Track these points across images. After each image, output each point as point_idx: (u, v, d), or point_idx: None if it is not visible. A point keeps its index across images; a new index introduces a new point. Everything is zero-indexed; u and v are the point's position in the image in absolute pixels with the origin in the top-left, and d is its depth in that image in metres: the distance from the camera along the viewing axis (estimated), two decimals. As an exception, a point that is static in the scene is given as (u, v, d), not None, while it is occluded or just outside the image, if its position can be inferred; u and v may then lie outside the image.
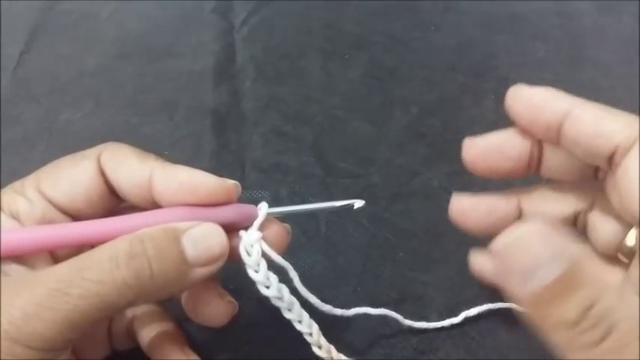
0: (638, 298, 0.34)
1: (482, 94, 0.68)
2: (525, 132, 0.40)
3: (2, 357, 0.32)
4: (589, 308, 0.30)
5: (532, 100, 0.38)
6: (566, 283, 0.30)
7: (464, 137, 0.63)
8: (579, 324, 0.30)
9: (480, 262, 0.44)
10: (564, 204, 0.41)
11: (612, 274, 0.39)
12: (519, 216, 0.42)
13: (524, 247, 0.31)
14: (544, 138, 0.39)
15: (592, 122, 0.36)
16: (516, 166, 0.41)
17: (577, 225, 0.42)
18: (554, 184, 0.42)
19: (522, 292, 0.32)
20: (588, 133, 0.36)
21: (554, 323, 0.31)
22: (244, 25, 0.78)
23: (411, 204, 0.59)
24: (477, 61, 0.72)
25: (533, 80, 0.68)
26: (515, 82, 0.67)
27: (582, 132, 0.36)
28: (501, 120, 0.64)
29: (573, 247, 0.31)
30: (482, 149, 0.42)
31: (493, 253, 0.32)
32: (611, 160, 0.35)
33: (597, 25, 0.76)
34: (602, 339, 0.30)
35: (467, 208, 0.43)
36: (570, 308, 0.30)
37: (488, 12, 0.78)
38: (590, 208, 0.40)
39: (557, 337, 0.31)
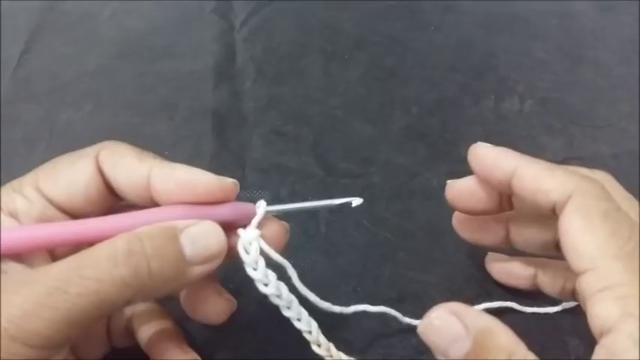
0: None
1: (482, 94, 0.68)
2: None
3: (1, 355, 0.32)
4: None
5: (485, 160, 0.43)
6: (475, 355, 0.34)
7: (464, 137, 0.63)
8: None
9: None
10: (543, 231, 0.45)
11: None
12: (507, 235, 0.48)
13: (437, 329, 0.36)
14: (501, 190, 0.44)
15: (532, 181, 0.40)
16: (488, 206, 0.46)
17: (559, 251, 0.43)
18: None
19: None
20: (530, 190, 0.40)
21: None
22: (244, 26, 0.78)
23: (411, 204, 0.59)
24: (476, 61, 0.72)
25: (533, 80, 0.69)
26: (515, 82, 0.69)
27: (525, 189, 0.40)
28: (501, 120, 0.65)
29: (481, 321, 0.35)
30: (458, 191, 0.46)
31: (419, 334, 0.37)
32: (555, 212, 0.39)
33: (597, 25, 0.76)
34: None
35: (463, 221, 0.50)
36: None
37: (488, 12, 0.78)
38: None
39: None
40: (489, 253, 0.53)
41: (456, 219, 0.50)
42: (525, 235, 0.47)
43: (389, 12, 0.79)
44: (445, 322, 0.35)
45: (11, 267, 0.37)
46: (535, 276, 0.49)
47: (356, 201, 0.45)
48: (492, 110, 0.66)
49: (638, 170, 0.59)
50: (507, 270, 0.51)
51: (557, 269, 0.47)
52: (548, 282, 0.48)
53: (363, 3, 0.80)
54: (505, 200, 0.46)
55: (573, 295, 0.46)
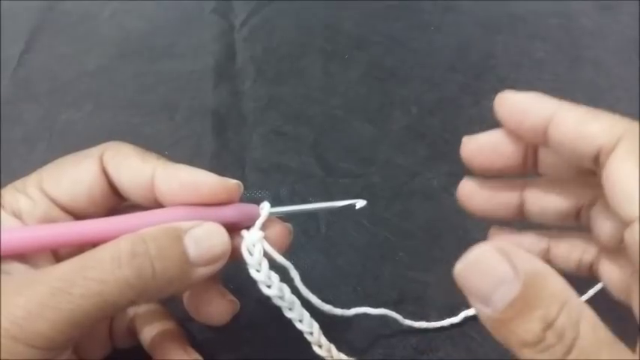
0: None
1: (482, 94, 0.68)
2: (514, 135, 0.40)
3: (3, 356, 0.32)
4: (549, 326, 0.30)
5: (517, 106, 0.38)
6: (524, 302, 0.31)
7: (464, 137, 0.63)
8: (540, 343, 0.30)
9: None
10: (566, 198, 0.41)
11: (626, 268, 0.39)
12: (521, 205, 0.42)
13: (480, 269, 0.32)
14: (532, 141, 0.39)
15: (574, 124, 0.35)
16: (511, 163, 0.41)
17: (580, 219, 0.41)
18: (557, 177, 0.42)
19: (483, 314, 0.32)
20: (571, 135, 0.36)
21: (516, 343, 0.31)
22: (244, 26, 0.78)
23: (411, 204, 0.59)
24: (476, 61, 0.72)
25: (533, 80, 0.69)
26: (514, 82, 0.68)
27: (565, 135, 0.36)
28: (501, 120, 0.65)
29: (530, 264, 0.32)
30: (478, 146, 0.41)
31: (455, 277, 0.33)
32: (597, 161, 0.35)
33: (597, 25, 0.76)
34: (565, 355, 0.30)
35: (472, 192, 0.44)
36: (529, 328, 0.30)
37: (488, 12, 0.78)
38: (593, 202, 0.40)
39: (521, 355, 0.31)
40: (493, 226, 0.45)
41: (463, 189, 0.44)
42: (544, 203, 0.42)
43: (389, 12, 0.79)
44: (490, 262, 0.32)
45: (15, 267, 0.37)
46: (548, 251, 0.43)
47: (359, 203, 0.45)
48: (492, 110, 0.66)
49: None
50: (518, 245, 0.42)
51: (574, 242, 0.42)
52: (562, 256, 0.42)
53: (363, 3, 0.80)
54: (530, 157, 0.41)
55: (591, 270, 0.42)
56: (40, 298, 0.33)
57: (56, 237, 0.37)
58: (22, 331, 0.32)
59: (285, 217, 0.43)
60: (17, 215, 0.39)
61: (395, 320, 0.48)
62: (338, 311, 0.44)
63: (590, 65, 0.71)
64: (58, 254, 0.40)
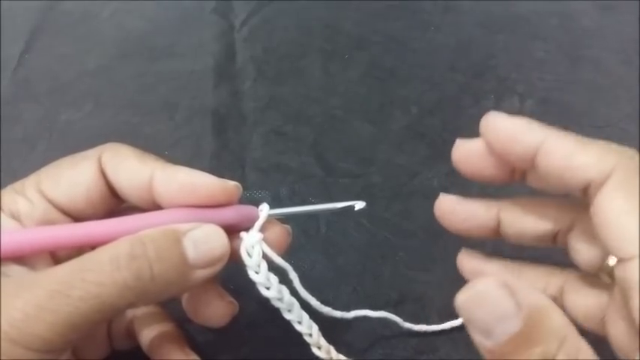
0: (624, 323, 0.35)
1: (482, 94, 0.68)
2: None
3: (2, 358, 0.32)
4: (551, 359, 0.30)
5: (504, 132, 0.37)
6: (525, 337, 0.30)
7: (464, 137, 0.63)
8: None
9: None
10: (543, 221, 0.41)
11: (593, 297, 0.39)
12: (497, 225, 0.42)
13: (483, 303, 0.31)
14: (520, 166, 0.39)
15: (563, 156, 0.35)
16: (498, 173, 0.40)
17: (556, 242, 0.41)
18: (537, 198, 0.42)
19: (483, 346, 0.32)
20: (560, 166, 0.35)
21: None
22: (244, 26, 0.78)
23: (411, 204, 0.59)
24: (476, 61, 0.72)
25: (533, 80, 0.69)
26: (515, 82, 0.69)
27: (554, 165, 0.35)
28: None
29: (533, 298, 0.31)
30: (468, 152, 0.41)
31: (456, 307, 0.32)
32: (586, 192, 0.35)
33: (597, 25, 0.76)
34: None
35: (448, 210, 0.44)
36: None
37: (488, 12, 0.78)
38: (571, 227, 0.40)
39: None
40: (462, 250, 0.46)
41: (440, 206, 0.44)
42: (521, 225, 0.42)
43: (389, 12, 0.79)
44: (494, 296, 0.31)
45: (13, 269, 0.37)
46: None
47: (359, 204, 0.44)
48: (492, 110, 0.66)
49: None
50: (481, 271, 0.45)
51: (537, 274, 0.43)
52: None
53: (363, 3, 0.80)
54: (519, 170, 0.40)
55: (555, 302, 0.43)
56: (39, 301, 0.33)
57: (55, 239, 0.37)
58: (21, 334, 0.32)
59: (284, 219, 0.43)
60: (16, 217, 0.39)
61: (395, 322, 0.48)
62: (337, 314, 0.44)
63: (591, 65, 0.71)
64: (57, 256, 0.40)
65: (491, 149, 0.39)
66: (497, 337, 0.31)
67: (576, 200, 0.37)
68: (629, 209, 0.32)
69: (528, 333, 0.30)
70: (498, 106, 0.67)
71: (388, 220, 0.58)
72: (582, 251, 0.39)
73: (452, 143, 0.62)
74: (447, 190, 0.57)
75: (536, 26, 0.76)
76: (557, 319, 0.31)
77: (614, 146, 0.35)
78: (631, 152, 0.35)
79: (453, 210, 0.44)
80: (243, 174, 0.62)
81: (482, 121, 0.38)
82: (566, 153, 0.35)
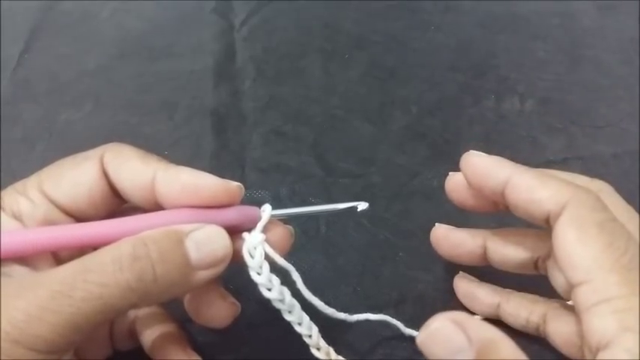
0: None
1: (482, 94, 0.68)
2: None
3: (4, 359, 0.32)
4: None
5: (478, 169, 0.42)
6: None
7: (464, 137, 0.63)
8: None
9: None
10: (523, 250, 0.45)
11: (572, 324, 0.42)
12: (484, 253, 0.47)
13: (438, 339, 0.34)
14: (495, 200, 0.43)
15: (525, 190, 0.39)
16: (482, 204, 0.45)
17: (538, 269, 0.45)
18: (519, 229, 0.46)
19: None
20: (523, 199, 0.39)
21: None
22: (244, 25, 0.78)
23: (411, 204, 0.59)
24: (476, 61, 0.72)
25: (533, 80, 0.69)
26: (515, 82, 0.69)
27: (519, 199, 0.40)
28: (501, 120, 0.65)
29: (483, 332, 0.33)
30: (455, 184, 0.46)
31: (418, 345, 0.35)
32: (548, 223, 0.38)
33: (597, 25, 0.76)
34: None
35: (442, 237, 0.49)
36: None
37: (488, 12, 0.78)
38: (548, 255, 0.43)
39: None
40: (460, 272, 0.52)
41: (434, 235, 0.50)
42: (503, 253, 0.46)
43: (389, 11, 0.79)
44: (447, 333, 0.34)
45: (15, 270, 0.37)
46: (498, 306, 0.48)
47: (362, 206, 0.45)
48: (492, 110, 0.66)
49: (638, 170, 0.59)
50: (472, 294, 0.50)
51: (522, 302, 0.47)
52: (511, 313, 0.47)
53: (363, 3, 0.80)
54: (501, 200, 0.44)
55: (537, 330, 0.46)
56: (41, 301, 0.33)
57: (56, 239, 0.37)
58: (23, 335, 0.32)
59: (286, 219, 0.43)
60: (17, 217, 0.39)
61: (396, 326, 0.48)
62: (341, 315, 0.44)
63: (591, 65, 0.71)
64: (59, 257, 0.40)
65: (470, 184, 0.44)
66: None
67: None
68: (579, 239, 0.36)
69: None
70: (499, 106, 0.67)
71: (388, 220, 0.58)
72: (557, 278, 0.42)
73: (452, 143, 0.63)
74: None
75: (537, 26, 0.76)
76: (507, 348, 0.33)
77: (580, 179, 0.41)
78: (598, 184, 0.41)
79: (446, 237, 0.49)
80: (243, 174, 0.62)
81: (462, 160, 0.43)
82: (527, 188, 0.39)
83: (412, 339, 0.50)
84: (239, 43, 0.76)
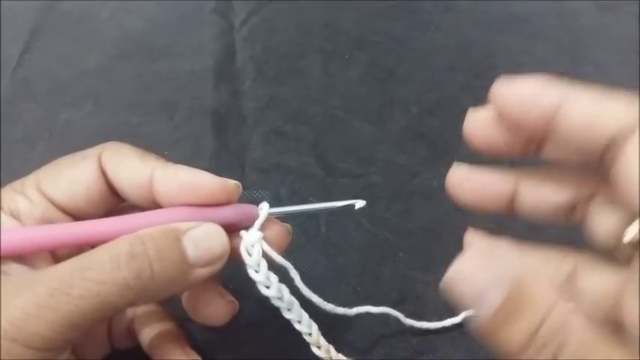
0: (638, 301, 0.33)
1: (483, 94, 0.67)
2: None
3: (2, 357, 0.32)
4: (537, 329, 0.29)
5: (517, 97, 0.35)
6: (511, 307, 0.30)
7: (464, 137, 0.63)
8: (529, 347, 0.30)
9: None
10: (562, 191, 0.38)
11: (607, 278, 0.37)
12: (513, 197, 0.39)
13: (465, 279, 0.31)
14: (535, 135, 0.36)
15: (584, 113, 0.32)
16: (512, 145, 0.37)
17: (574, 216, 0.38)
18: (556, 168, 0.39)
19: (472, 323, 0.31)
20: (581, 124, 0.33)
21: (507, 348, 0.30)
22: (244, 25, 0.78)
23: (411, 204, 0.59)
24: (476, 61, 0.72)
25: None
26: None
27: (575, 123, 0.33)
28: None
29: (516, 269, 0.31)
30: (481, 120, 0.39)
31: (443, 288, 0.32)
32: (607, 154, 0.33)
33: (597, 25, 0.76)
34: (557, 355, 0.29)
35: (462, 178, 0.40)
36: (518, 332, 0.30)
37: (488, 12, 0.78)
38: (591, 197, 0.37)
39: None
40: (468, 229, 0.41)
41: (453, 176, 0.41)
42: (538, 195, 0.38)
43: (389, 11, 0.79)
44: (476, 270, 0.31)
45: (13, 268, 0.37)
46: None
47: (359, 203, 0.44)
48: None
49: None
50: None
51: (547, 257, 0.39)
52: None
53: (363, 3, 0.80)
54: (534, 140, 0.37)
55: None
56: (39, 299, 0.33)
57: (54, 238, 0.37)
58: (21, 332, 0.32)
59: (284, 218, 0.43)
60: (15, 216, 0.39)
61: (395, 320, 0.48)
62: (340, 310, 0.44)
63: (591, 65, 0.71)
64: (57, 255, 0.40)
65: (503, 118, 0.36)
66: (484, 309, 0.30)
67: (596, 170, 0.34)
68: None
69: (514, 302, 0.30)
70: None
71: (388, 220, 0.58)
72: (601, 222, 0.36)
73: (452, 143, 0.63)
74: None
75: (536, 26, 0.76)
76: (543, 286, 0.30)
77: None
78: None
79: (467, 180, 0.40)
80: (243, 174, 0.62)
81: (492, 92, 0.36)
82: (587, 109, 0.32)
83: (412, 338, 0.50)
84: (239, 43, 0.76)
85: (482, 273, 0.31)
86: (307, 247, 0.56)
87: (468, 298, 0.31)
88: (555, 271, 0.39)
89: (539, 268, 0.39)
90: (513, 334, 0.30)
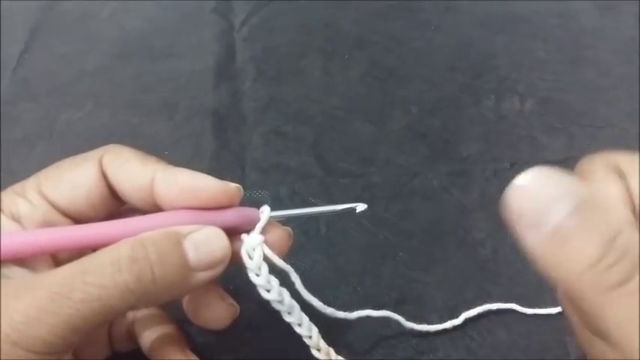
0: None
1: (482, 94, 0.68)
2: None
3: (2, 360, 0.32)
4: (613, 239, 0.27)
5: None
6: (581, 217, 0.28)
7: (464, 137, 0.63)
8: (603, 259, 0.27)
9: None
10: None
11: None
12: None
13: (532, 190, 0.29)
14: None
15: None
16: None
17: None
18: None
19: (533, 242, 0.29)
20: None
21: (572, 268, 0.28)
22: (244, 25, 0.78)
23: (411, 204, 0.59)
24: (476, 61, 0.72)
25: (534, 80, 0.69)
26: (515, 82, 0.69)
27: None
28: (501, 120, 0.65)
29: (585, 186, 0.29)
30: None
31: (504, 205, 0.29)
32: None
33: (597, 25, 0.76)
34: (631, 273, 0.27)
35: None
36: (591, 241, 0.27)
37: (488, 12, 0.78)
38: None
39: (578, 283, 0.28)
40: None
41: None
42: None
43: (389, 11, 0.79)
44: (540, 183, 0.29)
45: (14, 272, 0.37)
46: None
47: (360, 207, 0.44)
48: (492, 110, 0.66)
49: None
50: None
51: None
52: None
53: (363, 3, 0.80)
54: None
55: None
56: (40, 303, 0.33)
57: (55, 241, 0.37)
58: (22, 336, 0.32)
59: (285, 220, 0.43)
60: (16, 219, 0.39)
61: (396, 321, 0.48)
62: (340, 314, 0.44)
63: (591, 65, 0.71)
64: (58, 258, 0.40)
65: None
66: (550, 222, 0.28)
67: None
68: None
69: (585, 212, 0.28)
70: (498, 106, 0.67)
71: (388, 220, 0.58)
72: None
73: (452, 143, 0.63)
74: (447, 190, 0.58)
75: (536, 26, 0.76)
76: (616, 198, 0.29)
77: None
78: None
79: None
80: (243, 174, 0.62)
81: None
82: None
83: (412, 339, 0.50)
84: (239, 43, 0.76)
85: (549, 185, 0.29)
86: (307, 247, 0.56)
87: (531, 212, 0.29)
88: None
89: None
90: (585, 245, 0.28)
